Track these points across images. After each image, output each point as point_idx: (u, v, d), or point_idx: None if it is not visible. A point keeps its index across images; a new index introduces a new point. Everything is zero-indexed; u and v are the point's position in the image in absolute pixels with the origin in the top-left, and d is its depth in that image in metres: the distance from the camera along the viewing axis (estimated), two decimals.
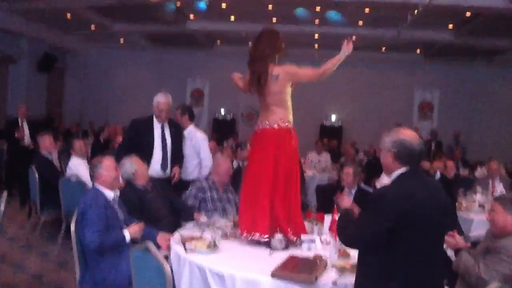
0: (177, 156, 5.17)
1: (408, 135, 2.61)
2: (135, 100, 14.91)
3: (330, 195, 4.50)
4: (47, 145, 6.20)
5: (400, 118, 11.88)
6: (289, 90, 3.72)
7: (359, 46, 13.56)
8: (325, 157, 9.63)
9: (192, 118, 5.53)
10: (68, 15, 11.26)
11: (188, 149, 5.34)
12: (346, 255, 3.24)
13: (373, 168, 7.74)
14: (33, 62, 13.11)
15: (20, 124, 8.34)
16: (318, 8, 10.37)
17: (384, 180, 5.89)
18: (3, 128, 9.12)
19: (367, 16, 10.75)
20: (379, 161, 7.07)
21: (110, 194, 3.52)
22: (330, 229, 3.55)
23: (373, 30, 11.85)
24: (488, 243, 3.31)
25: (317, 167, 9.18)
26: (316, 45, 13.98)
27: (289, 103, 3.72)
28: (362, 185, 5.36)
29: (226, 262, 3.06)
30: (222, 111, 15.01)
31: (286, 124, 3.64)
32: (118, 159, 4.32)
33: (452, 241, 3.28)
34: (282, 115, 3.64)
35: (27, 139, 8.17)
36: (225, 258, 3.16)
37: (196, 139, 5.40)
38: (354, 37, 3.82)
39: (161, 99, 5.05)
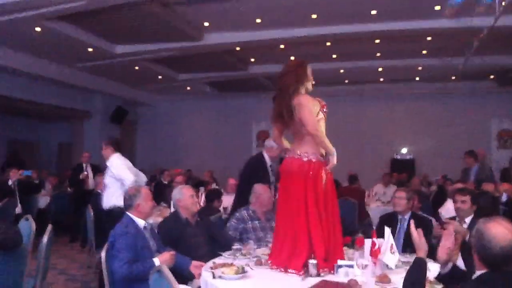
0: None
1: (492, 230, 2.15)
2: (202, 145, 15.36)
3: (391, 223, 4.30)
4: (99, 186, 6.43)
5: (476, 148, 11.20)
6: (320, 120, 3.51)
7: (427, 77, 13.29)
8: (392, 189, 9.14)
9: (114, 148, 5.83)
10: (136, 68, 11.94)
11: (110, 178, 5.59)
12: (385, 280, 2.97)
13: (439, 198, 7.23)
14: (106, 116, 13.96)
15: (84, 168, 8.81)
16: (377, 41, 10.22)
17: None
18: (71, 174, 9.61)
19: (430, 44, 10.41)
20: (445, 192, 6.59)
21: (141, 222, 3.50)
22: (370, 253, 3.28)
23: (439, 59, 11.44)
24: None
25: (383, 199, 8.76)
26: (381, 79, 13.74)
27: (323, 133, 3.51)
28: (420, 213, 4.99)
29: None
30: None
31: (317, 158, 3.46)
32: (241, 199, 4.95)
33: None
34: (314, 147, 3.48)
35: (90, 183, 8.57)
36: (253, 284, 3.02)
37: (130, 163, 5.73)
38: None
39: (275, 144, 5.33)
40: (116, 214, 5.27)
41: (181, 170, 9.34)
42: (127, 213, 3.54)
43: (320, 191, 3.41)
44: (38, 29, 8.60)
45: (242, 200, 5.12)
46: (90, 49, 10.02)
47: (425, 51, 10.99)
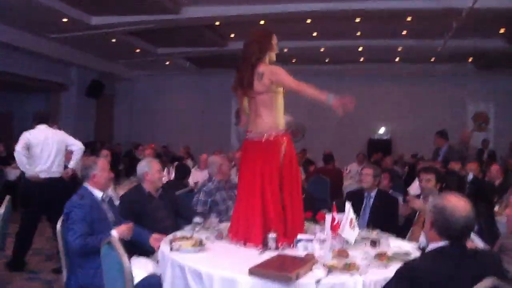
0: None
1: (453, 202, 2.20)
2: (181, 121, 15.24)
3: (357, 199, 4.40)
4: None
5: (452, 130, 11.34)
6: (278, 93, 3.44)
7: (407, 58, 13.27)
8: None
9: (37, 121, 5.66)
10: (112, 41, 11.67)
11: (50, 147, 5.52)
12: (343, 255, 2.95)
13: (410, 178, 7.29)
14: (82, 89, 13.69)
15: None
16: (358, 19, 10.13)
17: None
18: None
19: (410, 25, 10.36)
20: (414, 171, 6.63)
21: (98, 194, 3.42)
22: (330, 228, 3.26)
23: (418, 40, 11.42)
24: (504, 240, 2.93)
25: (357, 178, 8.83)
26: (361, 59, 13.69)
27: (280, 107, 3.46)
28: (391, 191, 5.03)
29: (210, 261, 2.87)
30: None
31: (275, 133, 3.40)
32: None
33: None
34: (271, 121, 3.40)
35: None
36: (210, 257, 2.98)
37: (58, 135, 5.65)
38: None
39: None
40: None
41: (153, 145, 9.23)
42: (84, 184, 3.46)
43: (276, 165, 3.37)
44: None
45: None
46: (64, 19, 9.72)
47: (405, 31, 10.95)
